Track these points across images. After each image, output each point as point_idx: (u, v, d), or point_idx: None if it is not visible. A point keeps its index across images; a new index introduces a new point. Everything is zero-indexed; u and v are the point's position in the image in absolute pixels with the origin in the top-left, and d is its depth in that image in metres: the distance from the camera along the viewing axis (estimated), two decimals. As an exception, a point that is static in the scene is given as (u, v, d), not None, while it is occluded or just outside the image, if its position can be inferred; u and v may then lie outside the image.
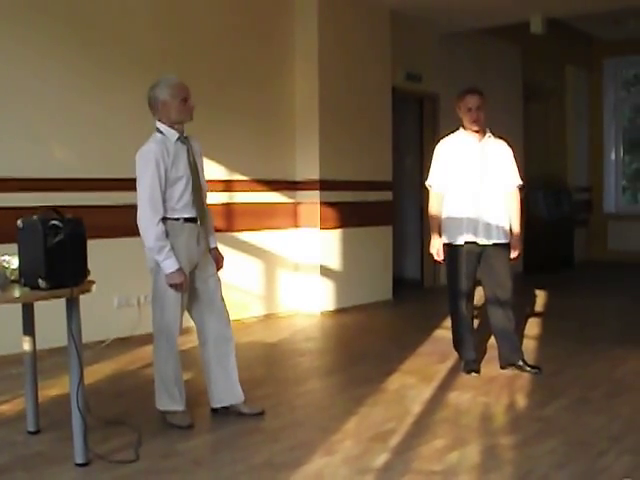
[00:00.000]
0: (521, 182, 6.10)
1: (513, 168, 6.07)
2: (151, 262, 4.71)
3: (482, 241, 5.95)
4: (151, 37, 7.52)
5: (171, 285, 4.62)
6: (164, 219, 4.60)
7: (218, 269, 5.03)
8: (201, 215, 4.79)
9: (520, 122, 13.03)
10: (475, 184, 5.96)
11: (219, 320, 4.93)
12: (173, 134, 4.68)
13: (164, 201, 4.59)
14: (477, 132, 6.01)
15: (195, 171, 4.76)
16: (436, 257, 6.17)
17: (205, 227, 4.88)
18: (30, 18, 6.60)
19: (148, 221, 4.55)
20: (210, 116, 7.41)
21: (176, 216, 4.65)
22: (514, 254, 6.02)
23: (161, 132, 4.68)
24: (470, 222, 5.94)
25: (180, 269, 4.60)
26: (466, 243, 5.96)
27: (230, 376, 4.94)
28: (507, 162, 6.07)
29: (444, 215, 6.07)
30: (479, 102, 5.96)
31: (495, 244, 5.96)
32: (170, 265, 4.56)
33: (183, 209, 4.68)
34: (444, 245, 6.08)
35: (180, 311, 4.76)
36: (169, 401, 4.77)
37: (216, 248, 5.04)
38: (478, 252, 5.98)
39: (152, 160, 4.54)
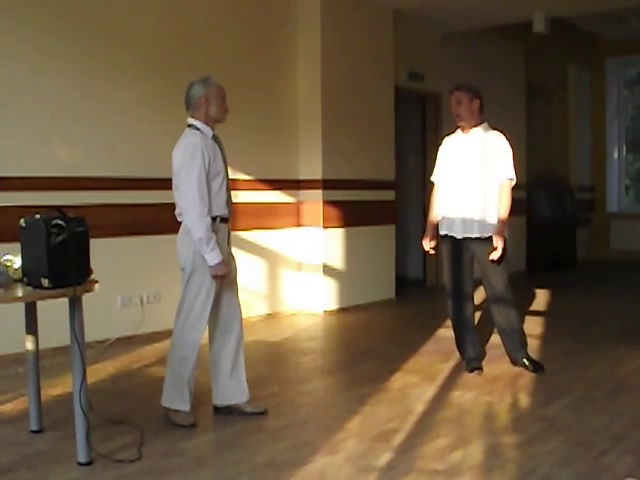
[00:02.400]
0: (512, 175, 5.95)
1: (505, 160, 5.96)
2: (185, 261, 4.75)
3: (458, 234, 5.99)
4: (155, 37, 7.52)
5: (215, 276, 4.65)
6: None
7: None
8: (231, 214, 4.89)
9: (523, 121, 13.03)
10: (457, 179, 6.02)
11: (236, 319, 4.97)
12: (209, 131, 4.77)
13: None
14: (463, 128, 6.06)
15: (227, 170, 4.86)
16: (425, 247, 6.27)
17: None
18: (33, 16, 6.60)
19: (198, 212, 4.59)
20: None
21: (213, 214, 4.69)
22: (495, 247, 5.78)
23: (197, 128, 4.75)
24: (448, 216, 6.04)
25: (224, 260, 4.66)
26: (446, 236, 6.07)
27: (240, 374, 4.98)
28: (499, 154, 5.97)
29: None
30: (458, 96, 6.00)
31: (476, 239, 5.94)
32: (216, 256, 4.61)
33: (219, 207, 4.75)
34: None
35: (207, 315, 4.78)
36: (177, 400, 4.77)
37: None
38: (464, 248, 6.00)
39: (199, 152, 4.61)
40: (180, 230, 4.79)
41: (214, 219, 4.69)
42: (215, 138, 4.81)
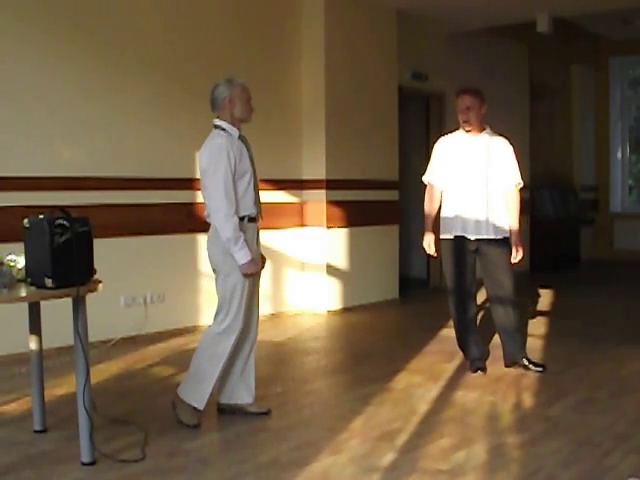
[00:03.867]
0: (520, 181, 6.08)
1: (512, 166, 6.05)
2: (216, 262, 4.78)
3: (471, 236, 5.97)
4: (159, 37, 7.53)
5: (245, 275, 4.67)
6: None
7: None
8: (260, 214, 4.89)
9: (526, 121, 13.02)
10: (466, 181, 6.00)
11: (254, 320, 4.98)
12: (235, 131, 4.81)
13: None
14: (469, 132, 6.04)
15: (254, 170, 4.86)
16: (428, 251, 6.22)
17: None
18: (37, 15, 6.61)
19: (226, 213, 4.61)
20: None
21: (241, 214, 4.71)
22: (515, 255, 5.98)
23: (223, 129, 4.78)
24: (460, 217, 5.99)
25: (253, 259, 4.68)
26: (456, 237, 6.01)
27: (250, 375, 5.00)
28: (506, 160, 6.05)
29: (441, 212, 6.14)
30: (468, 102, 5.97)
31: (488, 240, 5.97)
32: (245, 255, 4.63)
33: (246, 206, 4.75)
34: (440, 241, 6.14)
35: (242, 315, 4.75)
36: (194, 396, 4.76)
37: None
38: (471, 248, 6.00)
39: (224, 153, 4.64)
40: (209, 231, 4.81)
41: (242, 219, 4.70)
42: (242, 138, 4.84)
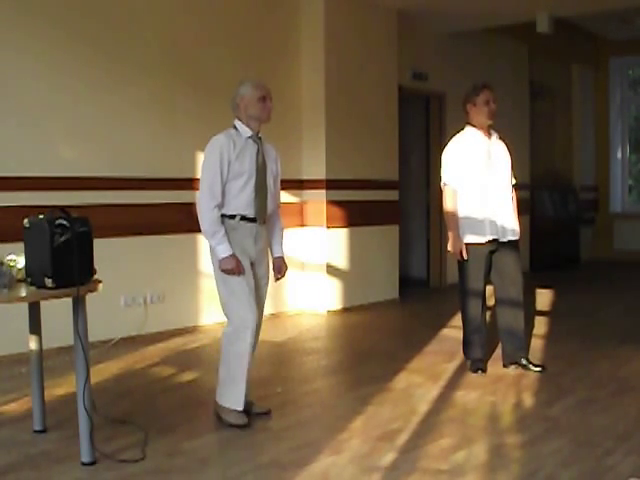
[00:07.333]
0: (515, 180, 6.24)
1: (510, 167, 6.16)
2: (211, 259, 4.82)
3: (502, 238, 5.97)
4: (160, 36, 7.52)
5: (223, 270, 4.68)
6: (221, 216, 4.71)
7: (278, 278, 5.19)
8: (261, 215, 4.85)
9: (526, 121, 13.04)
10: (491, 182, 5.99)
11: (259, 326, 4.96)
12: (246, 131, 4.82)
13: (224, 192, 4.71)
14: (489, 127, 6.06)
15: (262, 171, 4.86)
16: (458, 257, 6.02)
17: (268, 229, 5.01)
18: (37, 11, 6.59)
19: (205, 206, 4.67)
20: (217, 114, 7.38)
21: (232, 212, 4.73)
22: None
23: (234, 127, 4.83)
24: (491, 220, 5.94)
25: (233, 255, 4.68)
26: (487, 242, 5.95)
27: (248, 376, 4.97)
28: (509, 157, 6.15)
29: (461, 215, 6.00)
30: (494, 96, 6.02)
31: (513, 240, 6.02)
32: (222, 250, 4.66)
33: (240, 206, 4.75)
34: (469, 245, 5.98)
35: (252, 308, 4.72)
36: (231, 399, 4.75)
37: (281, 258, 5.15)
38: (492, 249, 5.99)
39: (217, 149, 4.70)
40: None
41: (233, 217, 4.73)
42: (254, 139, 4.84)
